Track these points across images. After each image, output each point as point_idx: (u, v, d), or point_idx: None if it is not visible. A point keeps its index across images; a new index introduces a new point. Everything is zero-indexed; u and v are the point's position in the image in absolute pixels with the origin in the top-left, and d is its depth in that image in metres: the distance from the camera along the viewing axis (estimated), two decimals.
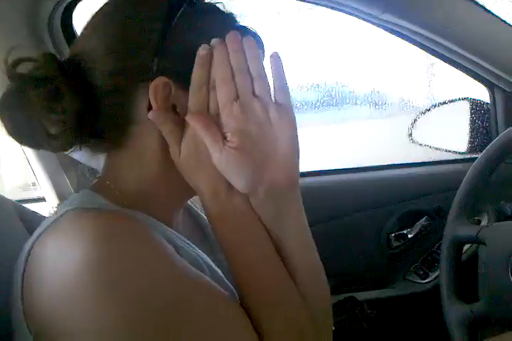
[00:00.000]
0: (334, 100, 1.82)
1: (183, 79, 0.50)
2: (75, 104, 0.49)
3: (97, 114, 0.51)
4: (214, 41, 0.49)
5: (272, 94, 0.50)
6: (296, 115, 0.50)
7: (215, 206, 0.51)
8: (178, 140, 0.50)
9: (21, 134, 0.51)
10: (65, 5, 0.89)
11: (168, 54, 0.49)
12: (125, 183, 0.54)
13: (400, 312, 1.11)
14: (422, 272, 1.16)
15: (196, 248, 0.57)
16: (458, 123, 1.31)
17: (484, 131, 1.21)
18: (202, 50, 0.49)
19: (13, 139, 0.51)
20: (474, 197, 0.87)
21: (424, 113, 1.35)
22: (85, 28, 0.53)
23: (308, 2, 0.92)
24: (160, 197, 0.55)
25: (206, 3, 0.53)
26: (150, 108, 0.50)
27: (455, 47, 1.03)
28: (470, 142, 1.25)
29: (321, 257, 1.13)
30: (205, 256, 0.58)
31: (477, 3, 0.95)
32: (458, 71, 1.12)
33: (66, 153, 0.56)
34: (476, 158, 0.87)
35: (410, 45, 1.09)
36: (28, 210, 0.68)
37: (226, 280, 0.55)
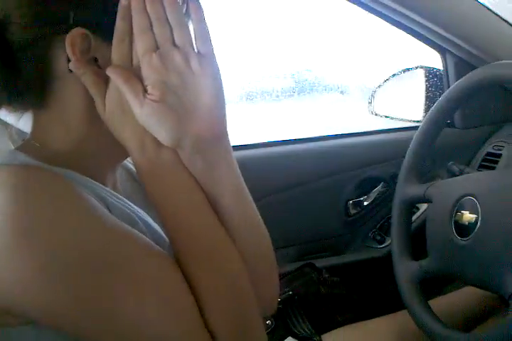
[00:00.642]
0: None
1: (104, 30, 0.48)
2: None
3: (16, 70, 0.49)
4: None
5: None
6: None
7: (144, 159, 0.50)
8: (102, 92, 0.49)
9: None
10: None
11: (86, 4, 0.48)
12: (52, 142, 0.53)
13: (359, 277, 1.13)
14: (379, 237, 1.18)
15: (132, 205, 0.56)
16: (415, 92, 1.32)
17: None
18: (123, 1, 0.47)
19: None
20: (421, 157, 0.89)
21: (382, 84, 1.35)
22: None
23: None
24: (90, 156, 0.54)
25: None
26: (70, 61, 0.48)
27: (407, 12, 1.04)
28: (426, 110, 1.26)
29: (281, 226, 1.15)
30: (142, 213, 0.57)
31: None
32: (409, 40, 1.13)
33: None
34: None
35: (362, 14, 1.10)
36: None
37: (165, 236, 0.55)
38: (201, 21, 0.48)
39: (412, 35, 1.12)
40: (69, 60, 0.48)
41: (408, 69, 1.30)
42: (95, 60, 0.49)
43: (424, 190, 0.84)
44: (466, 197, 0.73)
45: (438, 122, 0.87)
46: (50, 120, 0.53)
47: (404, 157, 0.91)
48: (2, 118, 0.62)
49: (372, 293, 1.09)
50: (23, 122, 0.57)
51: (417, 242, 0.86)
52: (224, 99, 0.50)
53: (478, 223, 0.69)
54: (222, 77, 0.49)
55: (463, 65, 1.11)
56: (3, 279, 0.41)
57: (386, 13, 1.07)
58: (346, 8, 1.14)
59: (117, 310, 0.43)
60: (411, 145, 0.90)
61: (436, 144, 0.90)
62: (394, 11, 1.04)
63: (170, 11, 0.47)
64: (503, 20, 1.05)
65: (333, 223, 1.18)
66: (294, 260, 1.16)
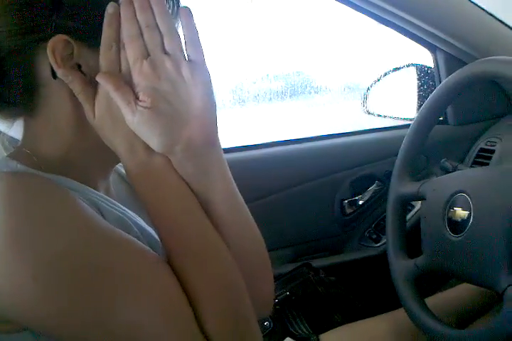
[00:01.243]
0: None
1: (87, 37, 0.49)
2: None
3: (4, 77, 0.49)
4: None
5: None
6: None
7: (134, 165, 0.50)
8: (91, 99, 0.49)
9: None
10: None
11: (68, 11, 0.48)
12: (42, 148, 0.53)
13: (355, 276, 1.13)
14: (375, 236, 1.18)
15: (126, 209, 0.56)
16: (407, 90, 1.33)
17: None
18: (110, 8, 0.48)
19: None
20: (414, 155, 0.89)
21: (374, 83, 1.36)
22: None
23: None
24: (81, 161, 0.54)
25: None
26: (53, 68, 0.48)
27: (395, 10, 1.04)
28: (418, 107, 1.26)
29: (277, 227, 1.15)
30: (137, 218, 0.57)
31: None
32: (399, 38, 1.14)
33: None
34: None
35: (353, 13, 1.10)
36: None
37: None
38: (192, 28, 0.49)
39: (402, 34, 1.12)
40: (52, 67, 0.48)
41: (399, 68, 1.31)
42: (79, 66, 0.49)
43: (417, 187, 0.84)
44: (459, 194, 0.73)
45: (429, 119, 0.87)
46: (39, 127, 0.53)
47: (397, 155, 0.91)
48: None
49: (369, 292, 1.09)
50: (14, 130, 0.57)
51: (412, 240, 0.87)
52: (215, 105, 0.50)
53: (471, 219, 0.69)
54: (213, 83, 0.50)
55: (453, 62, 1.11)
56: (0, 289, 0.41)
57: (375, 11, 1.07)
58: (335, 7, 1.14)
59: (112, 315, 0.43)
60: (403, 143, 0.90)
61: (429, 141, 0.90)
62: (383, 9, 1.04)
63: (160, 18, 0.48)
64: (492, 16, 1.05)
65: (329, 223, 1.18)
66: (291, 261, 1.16)
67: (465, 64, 0.94)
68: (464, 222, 0.70)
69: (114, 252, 0.45)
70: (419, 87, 1.25)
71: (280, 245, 1.15)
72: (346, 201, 1.18)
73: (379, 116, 1.36)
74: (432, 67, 1.21)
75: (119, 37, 0.48)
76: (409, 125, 0.93)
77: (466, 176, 0.79)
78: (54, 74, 0.48)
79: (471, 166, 1.10)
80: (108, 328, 0.43)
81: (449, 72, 1.11)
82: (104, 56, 0.49)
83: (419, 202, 1.09)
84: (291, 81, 1.91)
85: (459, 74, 0.80)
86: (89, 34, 0.49)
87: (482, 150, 1.11)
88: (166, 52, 0.48)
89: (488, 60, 0.78)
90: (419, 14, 1.04)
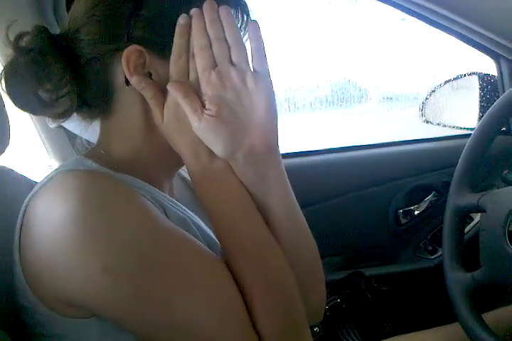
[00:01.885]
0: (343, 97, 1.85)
1: (159, 47, 0.52)
2: (60, 73, 0.52)
3: (83, 82, 0.54)
4: (193, 11, 0.51)
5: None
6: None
7: (197, 168, 0.53)
8: (160, 105, 0.53)
9: (20, 101, 0.54)
10: None
11: (143, 22, 0.52)
12: (114, 149, 0.57)
13: (409, 287, 1.11)
14: (431, 248, 1.15)
15: (187, 210, 0.59)
16: (468, 99, 1.29)
17: None
18: (181, 20, 0.51)
19: (15, 105, 0.55)
20: (474, 165, 0.87)
21: (434, 91, 1.33)
22: (77, 1, 0.56)
23: None
24: (148, 163, 0.57)
25: None
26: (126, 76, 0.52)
27: (458, 19, 1.02)
28: (480, 117, 1.23)
29: (329, 234, 1.15)
30: (197, 218, 0.60)
31: None
32: (462, 49, 1.11)
33: (61, 122, 0.59)
34: None
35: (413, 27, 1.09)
36: None
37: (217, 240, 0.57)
38: (258, 40, 0.51)
39: (464, 42, 1.10)
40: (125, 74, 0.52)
41: (461, 76, 1.28)
42: (149, 74, 0.52)
43: (477, 199, 0.82)
44: None
45: (491, 129, 0.85)
46: (112, 129, 0.57)
47: (456, 165, 0.89)
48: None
49: (422, 304, 1.07)
50: (88, 133, 0.62)
51: (469, 253, 0.84)
52: (276, 115, 0.52)
53: None
54: (275, 94, 0.52)
55: None
56: (72, 277, 0.45)
57: (436, 19, 1.06)
58: (392, 14, 1.14)
59: (171, 307, 0.45)
60: (463, 153, 0.88)
61: (491, 152, 0.87)
62: (444, 17, 1.03)
63: (228, 31, 0.50)
64: None
65: (382, 232, 1.17)
66: (342, 268, 1.15)
67: None
68: None
69: (175, 249, 0.48)
70: (481, 96, 1.22)
71: (331, 252, 1.15)
72: (401, 211, 1.16)
73: (437, 124, 1.33)
74: (496, 75, 1.17)
75: (188, 47, 0.51)
76: (469, 135, 0.91)
77: None
78: (127, 82, 0.52)
79: None
80: (167, 319, 0.45)
81: None
82: (175, 65, 0.52)
83: (479, 214, 1.06)
84: (339, 88, 1.90)
85: None
86: (160, 44, 0.52)
87: None
88: (232, 63, 0.50)
89: None
90: (481, 21, 1.02)
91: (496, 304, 0.96)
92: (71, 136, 1.04)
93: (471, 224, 1.12)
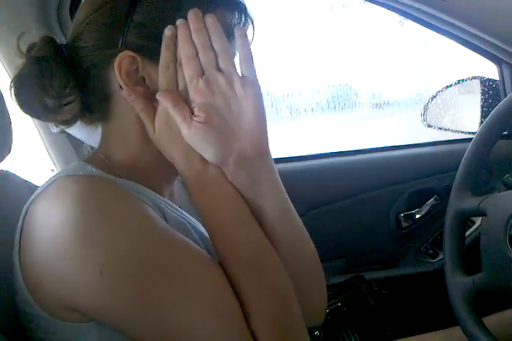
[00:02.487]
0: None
1: (151, 53, 0.53)
2: (64, 82, 0.53)
3: (85, 89, 0.55)
4: (178, 22, 0.52)
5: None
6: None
7: (191, 175, 0.54)
8: (151, 116, 0.53)
9: (27, 108, 0.56)
10: None
11: (136, 29, 0.53)
12: (114, 154, 0.57)
13: (409, 291, 1.11)
14: (432, 252, 1.15)
15: (186, 214, 0.60)
16: (470, 103, 1.30)
17: None
18: (167, 32, 0.52)
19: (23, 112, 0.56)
20: (476, 169, 0.87)
21: (435, 95, 1.33)
22: (79, 10, 0.57)
23: None
24: (148, 168, 0.58)
25: None
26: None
27: (459, 23, 1.02)
28: (481, 121, 1.23)
29: (331, 238, 1.15)
30: (197, 223, 0.60)
31: None
32: (462, 53, 1.11)
33: (66, 128, 0.60)
34: None
35: (413, 30, 1.09)
36: None
37: None
38: (245, 46, 0.51)
39: (466, 46, 1.10)
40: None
41: (463, 80, 1.28)
42: (144, 79, 0.53)
43: (478, 202, 0.82)
44: None
45: (492, 133, 0.85)
46: (111, 134, 0.58)
47: (457, 169, 0.89)
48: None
49: (423, 308, 1.07)
50: (93, 139, 0.63)
51: (470, 257, 0.84)
52: (265, 119, 0.52)
53: None
54: (264, 98, 0.52)
55: None
56: (70, 282, 0.46)
57: (437, 24, 1.06)
58: (392, 18, 1.14)
59: (168, 311, 0.45)
60: (464, 157, 0.89)
61: (492, 156, 0.88)
62: (444, 21, 1.03)
63: (214, 39, 0.51)
64: None
65: (383, 236, 1.17)
66: (343, 272, 1.15)
67: None
68: None
69: (172, 252, 0.48)
70: (483, 101, 1.22)
71: (332, 256, 1.15)
72: (402, 214, 1.16)
73: (439, 128, 1.33)
74: (497, 79, 1.18)
75: (176, 57, 0.52)
76: (470, 139, 0.91)
77: None
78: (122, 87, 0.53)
79: None
80: (164, 322, 0.45)
81: None
82: (163, 75, 0.52)
83: (480, 218, 1.06)
84: (337, 93, 1.91)
85: None
86: (152, 50, 0.53)
87: None
88: (220, 70, 0.50)
89: None
90: (483, 26, 1.02)
91: (497, 308, 0.96)
92: (74, 141, 1.05)
93: (472, 228, 1.12)
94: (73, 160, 1.07)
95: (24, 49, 0.55)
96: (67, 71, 0.54)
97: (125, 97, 0.52)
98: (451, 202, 0.89)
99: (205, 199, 0.53)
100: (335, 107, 1.88)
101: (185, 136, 0.51)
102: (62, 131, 0.63)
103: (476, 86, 1.25)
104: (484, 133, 0.86)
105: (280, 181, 0.55)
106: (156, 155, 0.56)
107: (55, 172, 1.14)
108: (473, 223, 1.13)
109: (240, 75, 0.51)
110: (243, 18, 0.57)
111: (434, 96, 1.33)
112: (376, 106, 1.96)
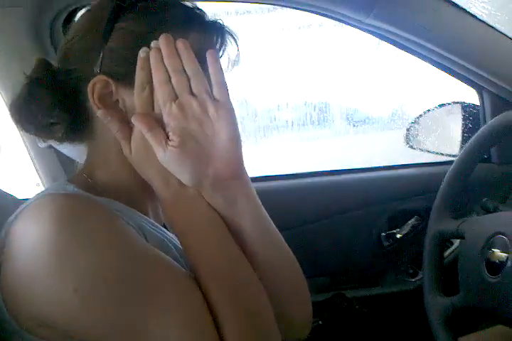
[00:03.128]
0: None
1: (124, 77, 0.54)
2: (51, 104, 0.55)
3: (70, 110, 0.57)
4: (153, 44, 0.53)
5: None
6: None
7: (168, 196, 0.55)
8: (127, 137, 0.55)
9: (21, 124, 0.58)
10: (65, 14, 0.95)
11: (110, 54, 0.54)
12: (97, 173, 0.59)
13: (389, 309, 1.13)
14: (412, 271, 1.18)
15: (167, 232, 0.61)
16: (451, 127, 1.34)
17: None
18: (141, 53, 0.53)
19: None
20: (455, 192, 0.90)
21: (418, 118, 1.37)
22: (67, 33, 0.60)
23: (294, 8, 0.96)
24: (130, 186, 0.59)
25: (151, 5, 0.56)
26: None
27: (442, 52, 1.06)
28: (462, 145, 1.27)
29: (313, 256, 1.16)
30: (177, 241, 0.61)
31: (461, 8, 0.98)
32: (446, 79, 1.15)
33: (56, 144, 0.62)
34: None
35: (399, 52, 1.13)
36: None
37: None
38: (217, 70, 0.53)
39: (448, 73, 1.14)
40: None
41: (444, 104, 1.32)
42: (118, 102, 0.55)
43: (457, 225, 0.85)
44: (498, 236, 0.74)
45: (472, 157, 0.88)
46: (93, 153, 0.60)
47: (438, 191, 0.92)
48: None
49: (402, 326, 1.08)
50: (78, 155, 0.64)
51: (449, 277, 0.87)
52: (240, 141, 0.53)
53: (509, 262, 0.69)
54: (238, 120, 0.53)
55: (500, 103, 1.12)
56: (45, 298, 0.46)
57: (421, 51, 1.10)
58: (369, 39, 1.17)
59: (144, 329, 0.46)
60: (445, 180, 0.92)
61: (471, 179, 0.91)
62: (428, 49, 1.07)
63: (186, 63, 0.52)
64: None
65: (365, 254, 1.19)
66: (325, 290, 1.16)
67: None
68: (502, 263, 0.71)
69: (146, 270, 0.48)
70: (463, 125, 1.26)
71: (314, 274, 1.16)
72: (384, 234, 1.19)
73: (420, 150, 1.37)
74: (478, 105, 1.22)
75: (151, 79, 0.53)
76: (451, 162, 0.94)
77: (505, 218, 0.79)
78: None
79: None
80: (139, 340, 0.46)
81: (494, 113, 1.11)
82: (138, 97, 0.53)
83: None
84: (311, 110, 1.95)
85: (503, 117, 0.82)
86: (125, 75, 0.54)
87: None
88: (193, 94, 0.52)
89: None
90: (464, 54, 1.06)
91: (474, 328, 0.99)
92: (60, 155, 1.06)
93: (451, 249, 1.15)
94: (59, 174, 1.09)
95: (16, 65, 0.58)
96: (54, 94, 0.56)
97: (101, 118, 0.54)
98: (430, 224, 0.92)
99: (181, 218, 0.54)
100: (307, 124, 1.92)
101: (161, 159, 0.52)
102: (50, 146, 0.65)
103: (457, 110, 1.29)
104: (464, 157, 0.89)
105: (257, 198, 0.56)
106: (137, 175, 0.57)
107: (40, 186, 1.14)
108: (452, 244, 1.16)
109: (213, 99, 0.52)
110: (219, 40, 0.59)
111: (416, 119, 1.37)
112: (350, 124, 2.00)
